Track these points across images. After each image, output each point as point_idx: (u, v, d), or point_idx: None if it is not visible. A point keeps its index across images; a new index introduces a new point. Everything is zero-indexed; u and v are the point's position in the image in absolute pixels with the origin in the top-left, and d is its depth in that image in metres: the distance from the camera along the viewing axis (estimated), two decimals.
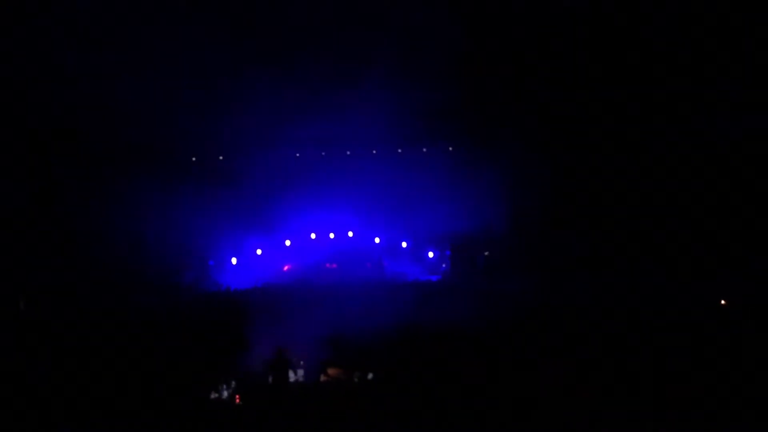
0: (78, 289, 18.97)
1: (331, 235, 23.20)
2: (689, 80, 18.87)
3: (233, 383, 16.59)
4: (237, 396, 16.37)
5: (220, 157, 22.12)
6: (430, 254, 23.36)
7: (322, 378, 17.25)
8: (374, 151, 22.45)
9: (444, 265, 23.20)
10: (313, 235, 23.16)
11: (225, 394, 16.40)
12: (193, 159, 21.97)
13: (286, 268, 22.91)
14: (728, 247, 18.27)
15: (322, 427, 14.63)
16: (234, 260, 22.58)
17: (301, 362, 17.34)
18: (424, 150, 22.03)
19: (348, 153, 22.55)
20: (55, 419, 14.70)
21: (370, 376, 17.04)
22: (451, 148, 21.92)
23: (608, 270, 19.14)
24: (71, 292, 18.91)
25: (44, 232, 19.31)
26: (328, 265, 22.65)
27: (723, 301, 17.46)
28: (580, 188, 20.39)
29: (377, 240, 23.21)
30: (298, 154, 22.37)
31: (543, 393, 14.91)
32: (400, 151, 22.30)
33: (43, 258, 19.06)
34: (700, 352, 15.37)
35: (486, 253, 22.28)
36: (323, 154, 22.61)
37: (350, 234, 23.30)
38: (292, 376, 17.16)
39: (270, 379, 16.85)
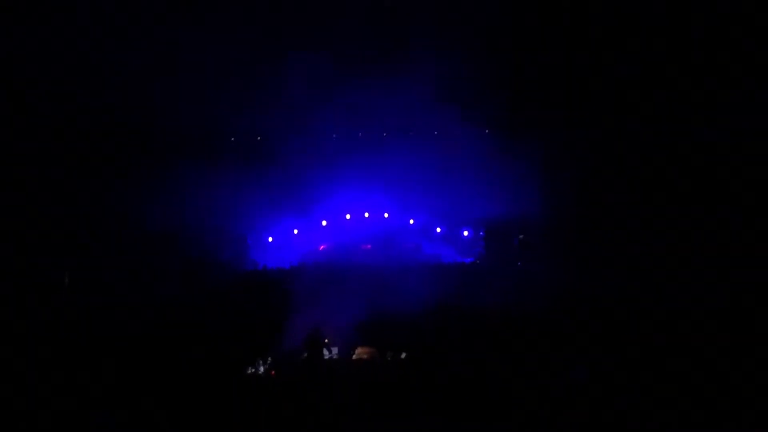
0: (119, 268, 19.44)
1: (366, 215, 23.33)
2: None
3: (269, 359, 16.93)
4: (273, 371, 16.71)
5: (258, 138, 22.36)
6: (465, 234, 23.36)
7: (356, 356, 17.49)
8: (410, 133, 22.47)
9: (478, 248, 23.18)
10: (348, 216, 23.33)
11: (261, 369, 16.76)
12: (232, 139, 22.24)
13: (321, 247, 23.14)
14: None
15: (353, 404, 14.84)
16: (270, 239, 22.89)
17: (336, 340, 17.60)
18: (460, 132, 21.97)
19: (384, 134, 22.60)
20: (94, 393, 15.14)
21: (403, 355, 17.22)
22: (487, 131, 21.81)
23: (643, 255, 18.93)
24: (113, 270, 19.38)
25: (85, 212, 19.76)
26: (363, 245, 22.80)
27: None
28: (617, 172, 20.16)
29: (412, 221, 23.30)
30: (335, 135, 22.47)
31: (576, 375, 14.93)
32: (436, 133, 22.28)
33: (83, 237, 19.54)
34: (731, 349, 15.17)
35: (521, 236, 22.20)
36: (360, 135, 22.68)
37: (386, 215, 23.41)
38: (326, 354, 17.43)
39: (305, 356, 17.16)
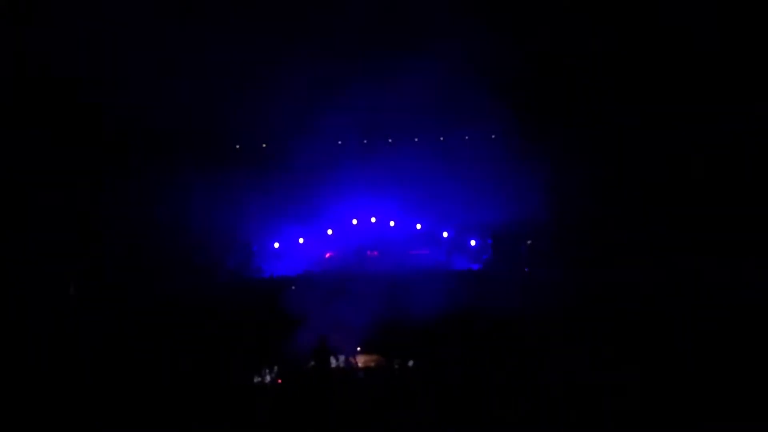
0: (124, 274, 19.36)
1: (373, 220, 23.21)
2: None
3: (275, 368, 16.76)
4: (279, 380, 16.56)
5: (264, 145, 22.31)
6: (472, 242, 23.21)
7: (363, 364, 17.33)
8: (416, 139, 22.38)
9: (486, 254, 23.04)
10: (354, 221, 23.21)
11: (267, 378, 16.59)
12: (237, 146, 22.20)
13: (327, 255, 23.02)
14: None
15: (360, 412, 14.69)
16: (276, 244, 22.78)
17: (343, 348, 17.45)
18: (467, 138, 21.87)
19: (390, 141, 22.52)
20: (98, 399, 15.01)
21: (410, 363, 17.05)
22: (494, 136, 21.70)
23: (652, 260, 18.77)
24: (118, 277, 19.30)
25: (91, 219, 19.71)
26: (369, 252, 22.67)
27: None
28: (625, 177, 20.03)
29: (419, 226, 23.17)
30: (340, 142, 22.39)
31: (584, 382, 14.75)
32: (442, 138, 22.19)
33: (89, 244, 19.48)
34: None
35: (529, 242, 22.04)
36: (365, 141, 22.60)
37: (392, 223, 23.29)
38: (333, 362, 17.26)
39: (312, 364, 17.00)
